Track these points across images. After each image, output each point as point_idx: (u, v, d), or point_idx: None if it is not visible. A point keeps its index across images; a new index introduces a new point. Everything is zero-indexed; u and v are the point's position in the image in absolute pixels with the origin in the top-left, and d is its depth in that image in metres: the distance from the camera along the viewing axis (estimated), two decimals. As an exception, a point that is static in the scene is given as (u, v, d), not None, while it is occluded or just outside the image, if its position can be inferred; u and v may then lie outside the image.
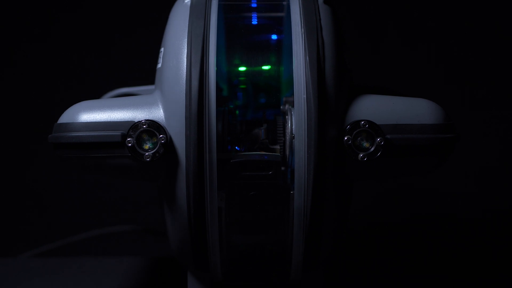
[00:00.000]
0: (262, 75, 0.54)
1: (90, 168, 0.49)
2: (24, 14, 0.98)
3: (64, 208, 0.97)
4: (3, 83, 0.99)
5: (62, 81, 0.98)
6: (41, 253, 0.84)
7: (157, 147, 0.47)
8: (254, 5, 0.55)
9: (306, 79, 0.47)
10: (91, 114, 0.49)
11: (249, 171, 0.49)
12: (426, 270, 0.71)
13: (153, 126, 0.48)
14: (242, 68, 0.54)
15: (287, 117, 0.50)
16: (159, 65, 0.51)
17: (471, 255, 0.79)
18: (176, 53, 0.49)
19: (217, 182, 0.47)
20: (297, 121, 0.47)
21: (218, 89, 0.49)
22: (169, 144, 0.48)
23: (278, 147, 0.51)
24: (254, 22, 0.55)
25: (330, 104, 0.47)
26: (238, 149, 0.51)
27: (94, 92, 0.68)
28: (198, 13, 0.49)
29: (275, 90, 0.54)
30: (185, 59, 0.48)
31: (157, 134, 0.47)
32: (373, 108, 0.49)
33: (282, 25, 0.54)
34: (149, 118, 0.48)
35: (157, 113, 0.49)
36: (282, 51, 0.54)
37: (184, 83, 0.48)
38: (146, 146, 0.48)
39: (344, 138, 0.47)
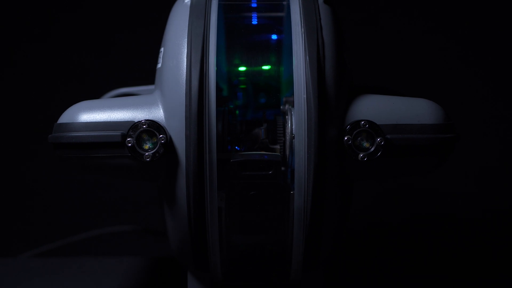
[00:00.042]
0: (262, 75, 0.54)
1: (90, 168, 0.49)
2: (24, 14, 0.98)
3: (64, 208, 0.97)
4: (3, 83, 0.99)
5: (62, 81, 0.98)
6: (41, 253, 0.84)
7: (157, 147, 0.47)
8: (254, 5, 0.55)
9: (306, 79, 0.47)
10: (91, 114, 0.49)
11: (249, 170, 0.49)
12: (426, 270, 0.71)
13: (153, 126, 0.47)
14: (242, 68, 0.54)
15: (287, 117, 0.50)
16: (159, 65, 0.51)
17: (471, 255, 0.79)
18: (176, 53, 0.49)
19: (217, 182, 0.47)
20: (297, 121, 0.47)
21: (218, 89, 0.49)
22: (169, 144, 0.48)
23: (278, 147, 0.51)
24: (254, 22, 0.55)
25: (330, 104, 0.47)
26: (238, 149, 0.51)
27: (94, 92, 0.68)
28: (198, 13, 0.49)
29: (275, 90, 0.54)
30: (185, 59, 0.48)
31: (157, 134, 0.47)
32: (373, 108, 0.49)
33: (282, 25, 0.54)
34: (149, 118, 0.48)
35: (157, 113, 0.49)
36: (282, 51, 0.54)
37: (184, 83, 0.48)
38: (146, 146, 0.48)
39: (344, 138, 0.47)
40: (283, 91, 0.53)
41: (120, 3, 0.98)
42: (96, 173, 0.51)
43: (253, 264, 0.53)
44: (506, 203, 0.93)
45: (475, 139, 0.93)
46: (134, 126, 0.48)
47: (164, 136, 0.47)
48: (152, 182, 0.52)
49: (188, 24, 0.49)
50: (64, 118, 0.49)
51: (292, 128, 0.48)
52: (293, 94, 0.48)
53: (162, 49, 0.51)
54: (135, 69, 0.88)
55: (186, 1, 0.51)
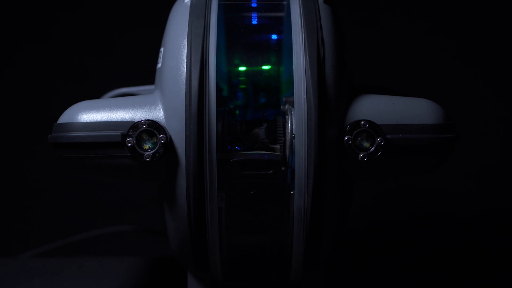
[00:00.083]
0: (262, 75, 0.54)
1: (90, 168, 0.49)
2: (24, 14, 0.98)
3: (64, 208, 0.97)
4: (3, 83, 0.99)
5: (62, 81, 0.98)
6: (41, 253, 0.84)
7: (157, 147, 0.47)
8: (254, 5, 0.54)
9: (306, 79, 0.47)
10: (91, 114, 0.49)
11: (249, 170, 0.49)
12: (426, 270, 0.71)
13: (153, 126, 0.47)
14: (242, 68, 0.54)
15: (287, 117, 0.50)
16: (159, 65, 0.51)
17: (471, 255, 0.79)
18: (176, 53, 0.49)
19: (217, 182, 0.47)
20: (297, 121, 0.47)
21: (218, 89, 0.49)
22: (169, 144, 0.48)
23: (278, 146, 0.51)
24: (254, 22, 0.55)
25: (330, 104, 0.47)
26: (238, 149, 0.51)
27: (94, 92, 0.68)
28: (198, 13, 0.49)
29: (275, 90, 0.54)
30: (185, 59, 0.48)
31: (157, 134, 0.47)
32: (373, 108, 0.49)
33: (282, 25, 0.54)
34: (149, 118, 0.48)
35: (157, 113, 0.49)
36: (282, 51, 0.54)
37: (184, 83, 0.48)
38: (146, 146, 0.47)
39: (344, 138, 0.47)
40: (283, 91, 0.53)
41: (120, 3, 0.98)
42: (96, 173, 0.51)
43: (253, 264, 0.53)
44: (506, 203, 0.93)
45: (475, 139, 0.93)
46: (134, 126, 0.48)
47: (164, 136, 0.47)
48: (152, 182, 0.52)
49: (188, 24, 0.49)
50: (64, 118, 0.49)
51: (292, 128, 0.48)
52: (293, 94, 0.48)
53: (162, 49, 0.51)
54: (135, 69, 0.88)
55: (186, 1, 0.51)
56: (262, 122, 0.52)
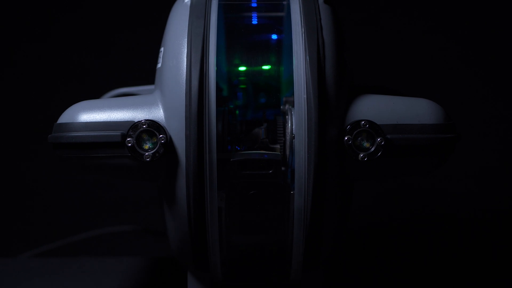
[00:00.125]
0: (262, 75, 0.54)
1: (90, 168, 0.49)
2: (24, 14, 0.98)
3: (64, 208, 0.97)
4: (3, 83, 0.99)
5: (62, 81, 0.98)
6: (41, 253, 0.84)
7: (157, 147, 0.47)
8: (254, 4, 0.54)
9: (307, 79, 0.47)
10: (91, 114, 0.49)
11: (249, 169, 0.48)
12: (426, 270, 0.71)
13: (153, 126, 0.47)
14: (242, 68, 0.54)
15: (287, 117, 0.50)
16: (159, 65, 0.51)
17: (471, 255, 0.79)
18: (176, 53, 0.49)
19: (217, 182, 0.47)
20: (297, 121, 0.47)
21: (218, 89, 0.49)
22: (169, 144, 0.48)
23: (278, 146, 0.50)
24: (254, 22, 0.55)
25: (330, 104, 0.47)
26: (239, 148, 0.51)
27: (94, 92, 0.68)
28: (198, 12, 0.49)
29: (275, 90, 0.54)
30: (185, 59, 0.48)
31: (157, 134, 0.47)
32: (373, 108, 0.49)
33: (282, 25, 0.54)
34: (149, 118, 0.48)
35: (157, 113, 0.49)
36: (282, 51, 0.54)
37: (184, 83, 0.47)
38: (146, 146, 0.47)
39: (344, 138, 0.47)
40: (283, 91, 0.53)
41: (120, 3, 0.98)
42: (96, 173, 0.51)
43: (253, 264, 0.53)
44: (506, 203, 0.93)
45: (475, 139, 0.93)
46: (134, 126, 0.48)
47: (164, 136, 0.47)
48: (152, 182, 0.52)
49: (188, 24, 0.49)
50: (64, 118, 0.49)
51: (292, 128, 0.48)
52: (293, 94, 0.48)
53: (162, 49, 0.51)
54: (135, 69, 0.88)
55: (186, 1, 0.51)
56: (262, 122, 0.52)
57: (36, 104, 0.97)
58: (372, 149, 0.47)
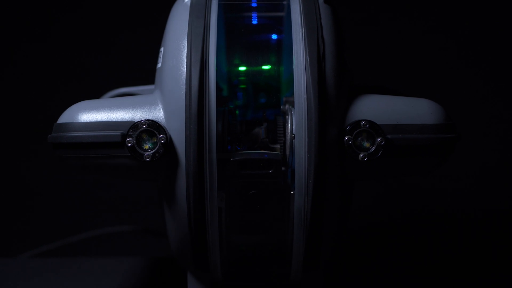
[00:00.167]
0: (262, 75, 0.54)
1: (90, 168, 0.49)
2: (24, 14, 0.98)
3: (64, 208, 0.97)
4: (3, 83, 0.99)
5: (62, 81, 0.98)
6: (41, 253, 0.84)
7: (157, 147, 0.47)
8: (254, 4, 0.54)
9: (307, 78, 0.47)
10: (91, 114, 0.49)
11: (249, 169, 0.48)
12: (426, 270, 0.71)
13: (153, 126, 0.47)
14: (242, 68, 0.54)
15: (287, 117, 0.50)
16: (159, 65, 0.51)
17: (471, 255, 0.79)
18: (176, 53, 0.49)
19: (217, 182, 0.47)
20: (297, 121, 0.47)
21: (218, 89, 0.49)
22: (169, 144, 0.48)
23: (278, 146, 0.50)
24: (254, 21, 0.55)
25: (330, 104, 0.47)
26: (239, 148, 0.51)
27: (94, 92, 0.68)
28: (198, 12, 0.49)
29: (275, 90, 0.54)
30: (185, 59, 0.48)
31: (157, 134, 0.47)
32: (373, 108, 0.49)
33: (282, 25, 0.54)
34: (149, 118, 0.48)
35: (157, 113, 0.49)
36: (282, 51, 0.54)
37: (184, 83, 0.47)
38: (146, 146, 0.47)
39: (344, 138, 0.47)
40: (283, 91, 0.53)
41: (120, 3, 0.98)
42: (96, 173, 0.51)
43: (253, 264, 0.53)
44: (506, 203, 0.93)
45: (475, 139, 0.93)
46: (134, 126, 0.48)
47: (164, 136, 0.47)
48: (152, 182, 0.52)
49: (188, 24, 0.49)
50: (64, 118, 0.49)
51: (292, 128, 0.48)
52: (293, 94, 0.47)
53: (162, 49, 0.51)
54: (135, 69, 0.88)
55: (186, 0, 0.51)
56: (262, 122, 0.52)
57: (36, 104, 0.97)
58: (372, 149, 0.47)
